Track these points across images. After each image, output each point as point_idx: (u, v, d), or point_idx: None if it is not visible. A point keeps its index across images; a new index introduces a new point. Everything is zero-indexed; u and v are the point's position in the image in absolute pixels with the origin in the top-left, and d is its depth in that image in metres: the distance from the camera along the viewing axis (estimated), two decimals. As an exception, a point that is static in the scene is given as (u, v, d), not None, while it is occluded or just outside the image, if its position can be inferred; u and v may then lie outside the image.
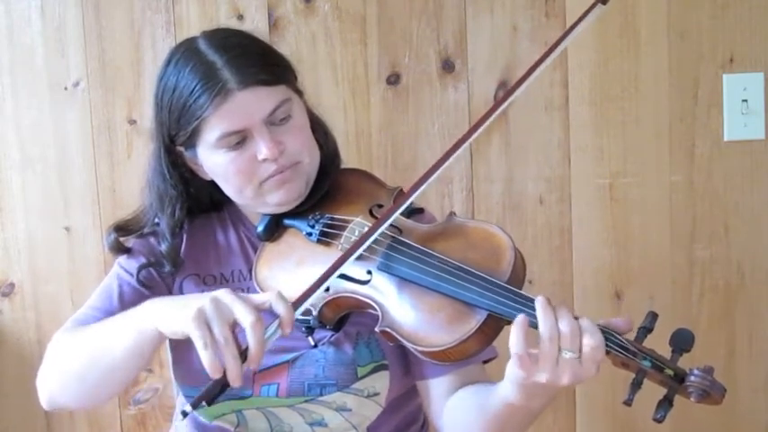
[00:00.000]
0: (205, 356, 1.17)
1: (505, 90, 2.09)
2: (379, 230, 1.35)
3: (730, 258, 2.12)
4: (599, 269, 2.14)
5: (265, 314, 1.21)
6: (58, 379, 1.42)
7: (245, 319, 1.18)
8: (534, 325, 1.18)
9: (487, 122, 1.41)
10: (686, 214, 2.11)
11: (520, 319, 1.18)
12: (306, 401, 1.45)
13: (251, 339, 1.18)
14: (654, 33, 2.08)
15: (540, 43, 2.08)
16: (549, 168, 2.12)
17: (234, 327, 1.20)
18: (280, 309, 1.21)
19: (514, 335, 1.17)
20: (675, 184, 2.11)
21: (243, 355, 1.19)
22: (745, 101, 2.07)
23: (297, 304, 1.27)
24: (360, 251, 1.34)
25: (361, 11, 2.11)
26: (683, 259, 2.13)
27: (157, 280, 1.54)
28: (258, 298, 1.23)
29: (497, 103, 1.45)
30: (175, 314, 1.22)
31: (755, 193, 2.10)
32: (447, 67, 2.11)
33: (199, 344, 1.17)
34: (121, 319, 1.34)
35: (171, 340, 1.55)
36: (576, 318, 1.19)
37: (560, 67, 2.09)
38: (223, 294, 1.22)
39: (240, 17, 2.11)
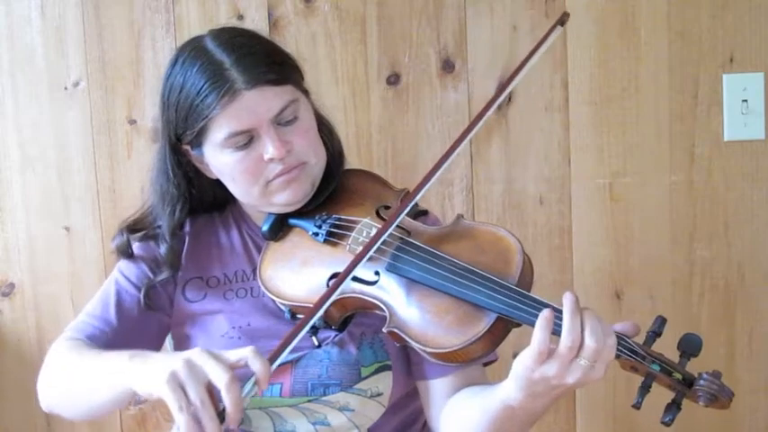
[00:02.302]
0: (182, 420, 1.17)
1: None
2: (387, 234, 1.35)
3: (730, 258, 2.13)
4: (599, 269, 2.14)
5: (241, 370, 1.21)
6: (52, 395, 1.49)
7: (221, 379, 1.17)
8: (558, 332, 1.17)
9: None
10: (686, 214, 2.12)
11: (547, 314, 1.18)
12: (309, 401, 1.45)
13: (227, 400, 1.17)
14: (654, 33, 2.08)
15: (540, 43, 2.08)
16: (548, 168, 2.12)
17: (210, 387, 1.19)
18: (256, 366, 1.20)
19: (540, 331, 1.17)
20: (675, 184, 2.11)
21: (221, 415, 1.18)
22: (745, 101, 2.07)
23: (273, 358, 1.25)
24: (369, 254, 1.34)
25: (361, 11, 2.11)
26: (682, 259, 2.13)
27: (159, 292, 1.55)
28: (233, 355, 1.22)
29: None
30: (150, 377, 1.22)
31: (755, 193, 2.11)
32: (447, 67, 2.11)
33: (174, 407, 1.17)
34: (104, 368, 1.35)
35: (174, 339, 1.59)
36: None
37: (560, 68, 2.09)
38: (196, 354, 1.21)
39: (240, 17, 2.11)
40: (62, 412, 1.50)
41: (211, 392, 1.19)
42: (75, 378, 1.42)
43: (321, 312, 1.31)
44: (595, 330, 1.16)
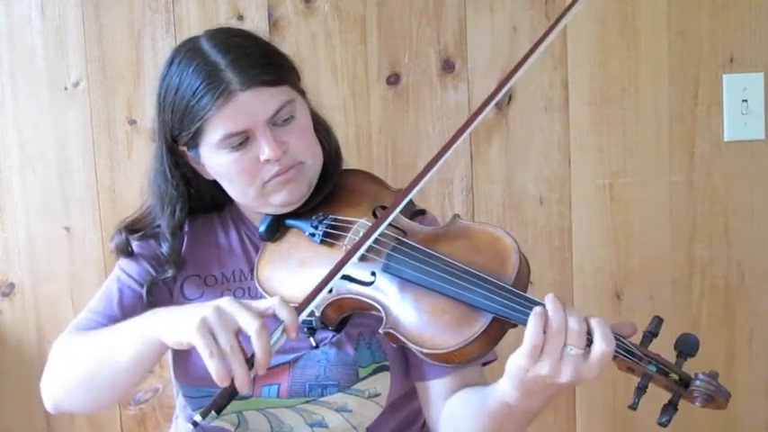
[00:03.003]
0: (212, 366, 1.19)
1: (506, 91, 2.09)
2: (382, 227, 1.35)
3: (730, 258, 2.13)
4: (599, 269, 2.14)
5: (269, 320, 1.22)
6: (62, 385, 1.45)
7: (250, 326, 1.20)
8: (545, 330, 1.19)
9: (480, 117, 1.41)
10: (686, 214, 2.12)
11: (539, 309, 1.19)
12: (307, 402, 1.45)
13: (257, 346, 1.19)
14: (654, 33, 2.08)
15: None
16: (549, 168, 2.12)
17: (239, 334, 1.21)
18: (283, 314, 1.23)
19: (533, 324, 1.18)
20: (675, 184, 2.11)
21: (249, 362, 1.20)
22: (745, 101, 2.07)
23: (300, 309, 1.27)
24: (366, 246, 1.34)
25: (361, 11, 2.11)
26: (683, 259, 2.13)
27: (161, 288, 1.55)
28: (261, 304, 1.24)
29: (488, 99, 1.44)
30: (179, 324, 1.24)
31: (755, 193, 2.11)
32: (447, 67, 2.11)
33: (205, 353, 1.19)
34: (125, 328, 1.36)
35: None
36: (588, 318, 1.20)
37: (560, 68, 2.09)
38: (226, 302, 1.23)
39: (240, 17, 2.11)
40: (72, 405, 1.48)
41: (240, 341, 1.21)
42: (88, 356, 1.41)
43: (343, 270, 1.32)
44: (576, 316, 1.19)
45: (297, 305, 1.27)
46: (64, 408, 1.48)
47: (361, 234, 1.41)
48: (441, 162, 1.38)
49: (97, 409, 1.69)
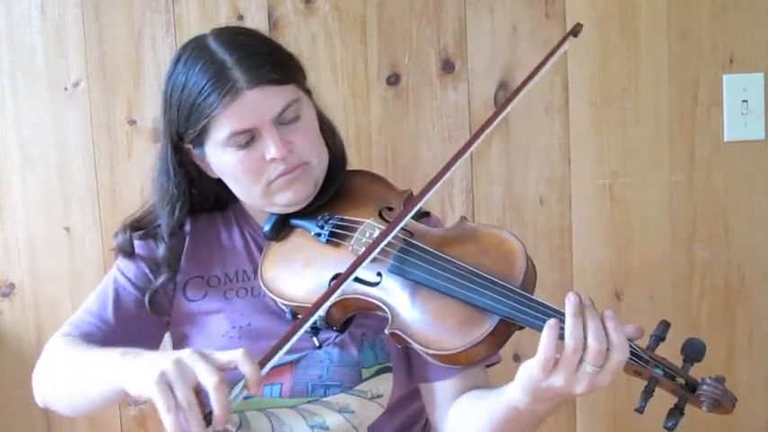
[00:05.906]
0: (168, 421, 1.17)
1: (506, 91, 2.09)
2: (388, 238, 1.34)
3: (730, 258, 2.13)
4: (599, 269, 2.14)
5: (233, 373, 1.21)
6: (49, 390, 1.49)
7: (208, 381, 1.18)
8: (561, 335, 1.17)
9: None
10: (686, 214, 2.12)
11: (552, 323, 1.17)
12: (309, 402, 1.45)
13: (214, 402, 1.18)
14: (654, 33, 2.08)
15: (540, 43, 2.08)
16: (549, 169, 2.12)
17: (198, 388, 1.19)
18: (245, 369, 1.21)
19: (546, 339, 1.17)
20: (675, 184, 2.11)
21: (207, 417, 1.18)
22: (745, 101, 2.07)
23: (264, 361, 1.24)
24: (371, 257, 1.33)
25: (361, 11, 2.11)
26: (683, 259, 2.13)
27: (160, 295, 1.55)
28: (223, 357, 1.22)
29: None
30: (140, 377, 1.22)
31: (755, 193, 2.11)
32: (447, 67, 2.11)
33: (162, 409, 1.18)
34: (100, 361, 1.36)
35: (173, 338, 1.59)
36: (606, 328, 1.17)
37: (560, 68, 2.09)
38: (187, 355, 1.21)
39: (240, 17, 2.11)
40: (57, 408, 1.51)
41: (199, 393, 1.19)
42: (69, 375, 1.43)
43: (315, 317, 1.31)
44: (597, 332, 1.16)
45: (261, 359, 1.24)
46: (51, 408, 1.51)
47: (368, 235, 1.41)
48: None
49: (81, 416, 1.70)
